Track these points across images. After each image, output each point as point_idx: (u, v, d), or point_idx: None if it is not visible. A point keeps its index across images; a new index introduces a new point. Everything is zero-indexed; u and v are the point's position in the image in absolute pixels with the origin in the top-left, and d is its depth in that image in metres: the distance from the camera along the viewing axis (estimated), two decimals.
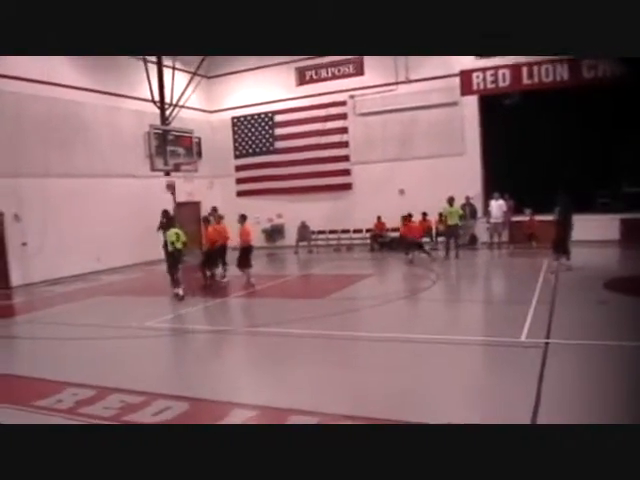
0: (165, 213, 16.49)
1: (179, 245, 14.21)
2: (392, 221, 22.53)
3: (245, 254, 15.35)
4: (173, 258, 14.33)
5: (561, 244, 14.55)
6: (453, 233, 19.20)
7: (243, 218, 15.52)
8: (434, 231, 21.99)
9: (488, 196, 21.60)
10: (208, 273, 15.78)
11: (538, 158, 20.73)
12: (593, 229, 19.22)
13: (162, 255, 15.86)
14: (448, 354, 8.29)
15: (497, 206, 20.64)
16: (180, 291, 14.01)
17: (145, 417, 6.34)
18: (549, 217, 16.06)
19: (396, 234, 22.02)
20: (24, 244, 18.03)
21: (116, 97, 21.89)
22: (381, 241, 22.65)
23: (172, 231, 14.39)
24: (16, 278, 17.90)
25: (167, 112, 20.15)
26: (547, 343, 8.13)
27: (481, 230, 21.49)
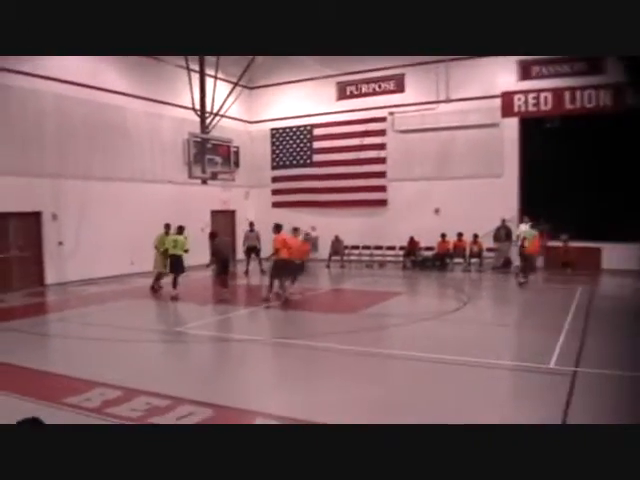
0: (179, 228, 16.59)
1: (176, 251, 15.48)
2: (426, 240, 22.46)
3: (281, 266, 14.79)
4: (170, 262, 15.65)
5: None
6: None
7: (277, 228, 15.16)
8: (468, 252, 21.82)
9: (529, 219, 21.33)
10: (275, 285, 14.98)
11: (577, 183, 20.46)
12: (629, 258, 18.91)
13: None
14: (474, 376, 8.19)
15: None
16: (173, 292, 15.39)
17: (169, 420, 6.39)
18: (586, 244, 15.81)
19: (429, 253, 22.01)
20: (60, 243, 18.37)
21: (158, 104, 22.24)
22: (414, 260, 22.54)
23: (170, 238, 15.71)
24: (51, 277, 18.22)
25: (207, 120, 20.33)
26: (575, 371, 8.00)
27: (515, 254, 21.23)
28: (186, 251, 15.68)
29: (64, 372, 8.53)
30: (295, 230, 15.75)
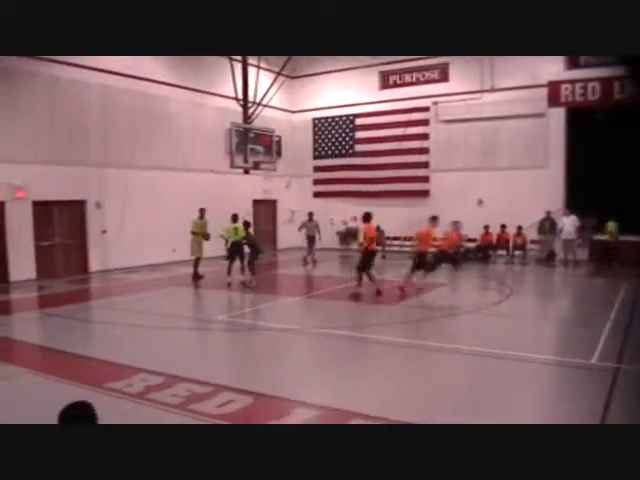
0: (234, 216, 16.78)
1: (234, 238, 15.91)
2: (469, 231, 22.20)
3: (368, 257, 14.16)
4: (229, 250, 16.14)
5: None
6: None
7: (368, 217, 14.27)
8: (511, 244, 21.50)
9: (571, 211, 20.95)
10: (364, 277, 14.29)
11: (625, 176, 19.93)
12: None
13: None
14: (513, 371, 8.08)
15: (569, 222, 19.99)
16: (247, 279, 15.79)
17: (209, 408, 6.44)
18: (635, 237, 15.39)
19: (472, 245, 21.78)
20: (104, 232, 18.66)
21: (201, 93, 22.38)
22: (456, 251, 22.28)
23: (231, 226, 15.99)
24: (94, 264, 18.54)
25: (249, 110, 20.40)
26: (617, 368, 7.82)
27: (559, 246, 20.85)
28: (244, 238, 16.01)
29: (107, 358, 8.67)
30: (434, 219, 15.72)
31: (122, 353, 8.96)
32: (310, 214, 21.55)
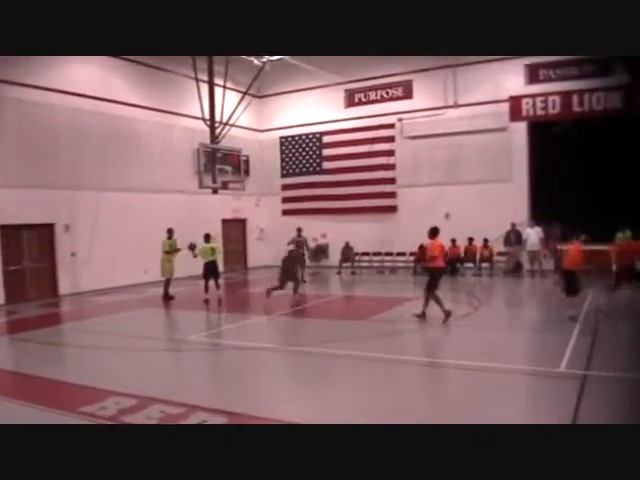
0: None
1: (209, 258, 16.07)
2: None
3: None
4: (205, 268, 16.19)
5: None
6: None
7: (434, 232, 13.26)
8: (478, 256, 21.83)
9: (535, 223, 21.37)
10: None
11: (588, 187, 20.39)
12: None
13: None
14: (484, 381, 8.23)
15: (533, 234, 20.48)
16: (215, 294, 15.97)
17: None
18: (597, 246, 15.70)
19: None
20: (73, 254, 18.55)
21: (169, 114, 22.45)
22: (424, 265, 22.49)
23: (207, 246, 16.09)
24: (64, 287, 18.41)
25: (217, 130, 20.47)
26: (585, 375, 8.02)
27: (526, 258, 21.22)
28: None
29: (79, 381, 8.61)
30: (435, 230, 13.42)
31: (94, 376, 8.92)
32: (299, 230, 21.17)
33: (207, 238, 16.31)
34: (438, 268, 12.83)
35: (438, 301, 12.47)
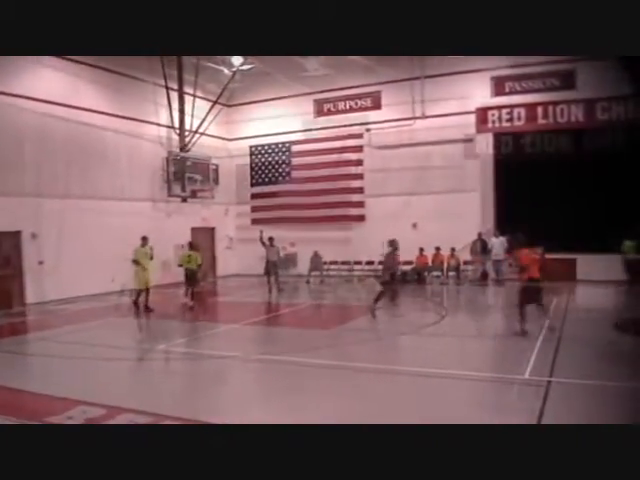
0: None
1: (191, 266, 16.78)
2: (405, 254, 22.64)
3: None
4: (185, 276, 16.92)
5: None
6: None
7: (516, 240, 12.68)
8: (445, 265, 22.09)
9: (501, 233, 21.75)
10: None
11: (550, 197, 20.84)
12: (603, 269, 19.27)
13: (177, 279, 16.72)
14: (449, 388, 8.38)
15: (498, 243, 20.85)
16: (189, 302, 16.64)
17: None
18: (561, 255, 16.04)
19: (407, 267, 22.18)
20: (40, 263, 18.33)
21: (137, 122, 22.34)
22: (392, 274, 22.63)
23: (185, 253, 16.83)
24: (31, 296, 18.17)
25: (186, 139, 20.47)
26: (550, 381, 8.21)
27: (491, 267, 21.56)
28: (199, 265, 17.06)
29: (45, 391, 8.51)
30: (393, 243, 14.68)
31: (61, 386, 8.84)
32: (270, 239, 20.81)
33: (190, 246, 17.01)
34: (529, 279, 11.93)
35: (523, 316, 11.80)
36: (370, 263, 24.13)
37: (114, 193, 21.14)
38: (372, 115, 24.71)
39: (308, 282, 23.29)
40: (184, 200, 21.06)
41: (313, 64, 22.78)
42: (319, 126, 25.85)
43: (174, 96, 20.34)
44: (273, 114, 26.77)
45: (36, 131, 18.36)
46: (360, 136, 24.89)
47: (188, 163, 19.66)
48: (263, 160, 27.26)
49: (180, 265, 17.35)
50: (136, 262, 16.27)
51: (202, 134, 21.35)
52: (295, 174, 26.44)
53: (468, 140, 22.72)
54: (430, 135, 23.28)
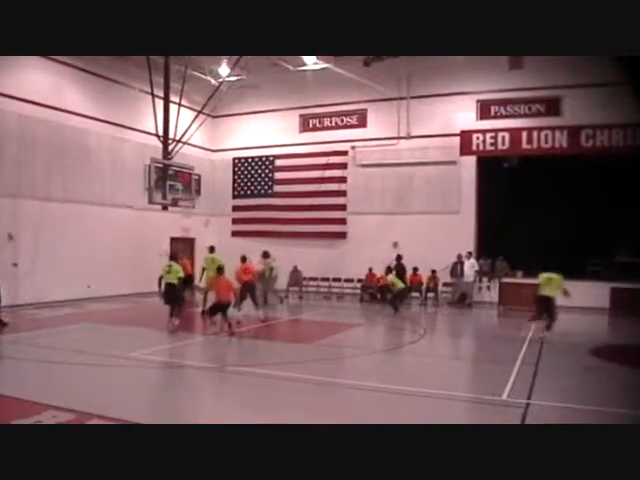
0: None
1: (170, 279, 14.21)
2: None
3: None
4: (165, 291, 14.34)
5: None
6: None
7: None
8: (424, 286, 22.04)
9: (481, 255, 21.85)
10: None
11: (533, 222, 20.99)
12: (583, 296, 19.33)
13: (154, 287, 15.57)
14: (426, 408, 8.27)
15: (468, 266, 20.94)
16: (174, 322, 14.08)
17: None
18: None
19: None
20: (15, 265, 17.98)
21: (121, 128, 22.22)
22: (371, 292, 22.62)
23: (166, 262, 14.68)
24: (3, 298, 17.75)
25: (170, 147, 20.33)
26: (528, 404, 8.14)
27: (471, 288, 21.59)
28: (179, 279, 14.20)
29: (14, 394, 8.32)
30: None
31: (30, 389, 8.64)
32: (265, 253, 20.44)
33: (173, 255, 15.28)
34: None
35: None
36: (350, 280, 24.04)
37: (94, 198, 20.89)
38: (357, 133, 24.77)
39: (286, 297, 22.71)
40: (165, 208, 20.85)
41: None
42: (304, 141, 25.84)
43: (160, 104, 20.19)
44: (258, 127, 26.80)
45: (18, 131, 18.11)
46: (344, 153, 24.92)
47: (170, 171, 19.45)
48: (246, 173, 27.18)
49: (160, 278, 14.44)
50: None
51: (185, 143, 21.21)
52: (278, 188, 26.38)
53: (452, 162, 22.82)
54: (414, 155, 23.37)
